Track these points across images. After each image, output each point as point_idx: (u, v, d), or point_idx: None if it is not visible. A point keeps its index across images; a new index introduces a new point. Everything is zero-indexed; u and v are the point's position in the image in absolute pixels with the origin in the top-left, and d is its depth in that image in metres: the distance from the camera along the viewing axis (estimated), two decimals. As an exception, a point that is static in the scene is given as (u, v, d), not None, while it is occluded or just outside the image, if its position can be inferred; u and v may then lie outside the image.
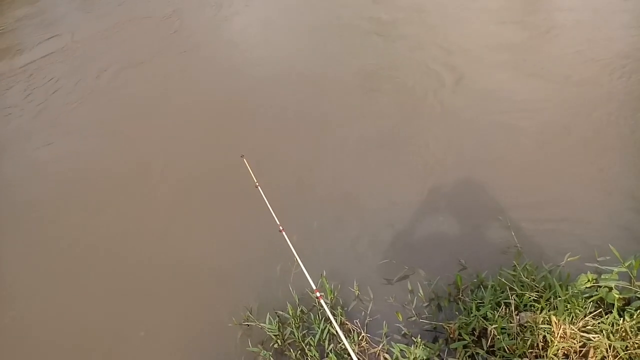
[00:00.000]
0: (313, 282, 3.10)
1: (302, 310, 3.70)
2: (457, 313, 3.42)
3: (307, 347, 3.38)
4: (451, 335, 3.27)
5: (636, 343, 2.73)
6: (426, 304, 3.61)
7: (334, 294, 3.77)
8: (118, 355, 3.87)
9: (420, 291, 3.65)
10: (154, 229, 4.94)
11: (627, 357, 2.70)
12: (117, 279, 4.50)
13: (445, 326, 3.32)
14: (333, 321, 2.75)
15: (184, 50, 8.63)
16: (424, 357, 3.04)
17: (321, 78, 6.81)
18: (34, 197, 5.86)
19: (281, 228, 3.52)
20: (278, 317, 3.69)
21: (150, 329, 3.99)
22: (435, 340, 3.32)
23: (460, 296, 3.54)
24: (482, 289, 3.44)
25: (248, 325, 3.75)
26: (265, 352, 3.47)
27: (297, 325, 3.56)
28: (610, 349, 2.74)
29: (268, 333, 3.59)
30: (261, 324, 3.65)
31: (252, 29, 8.95)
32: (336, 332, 3.38)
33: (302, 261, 3.15)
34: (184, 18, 9.89)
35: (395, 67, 6.66)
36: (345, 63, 7.06)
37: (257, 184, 3.90)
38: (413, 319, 3.52)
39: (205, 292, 4.18)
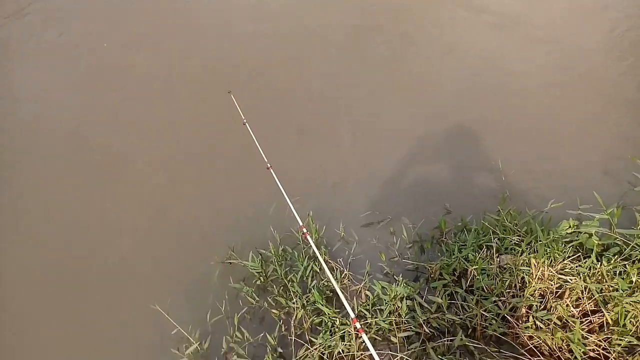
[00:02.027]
0: (300, 222, 3.11)
1: (284, 249, 3.73)
2: (439, 255, 3.47)
3: (290, 283, 3.43)
4: (432, 275, 3.33)
5: (611, 286, 2.80)
6: (409, 245, 3.65)
7: (318, 234, 3.79)
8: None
9: (404, 234, 3.68)
10: (139, 164, 4.88)
11: (601, 299, 2.77)
12: (105, 211, 4.48)
13: (427, 266, 3.38)
14: (319, 255, 2.78)
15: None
16: (405, 294, 3.10)
17: (310, 15, 6.62)
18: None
19: (269, 165, 3.49)
20: (260, 255, 3.72)
21: (132, 263, 4.01)
22: (416, 280, 3.39)
23: (443, 239, 3.59)
24: (466, 232, 3.49)
25: (230, 263, 3.78)
26: (247, 288, 3.51)
27: (279, 263, 3.60)
28: (585, 290, 2.81)
29: (251, 270, 3.62)
30: (244, 262, 3.68)
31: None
32: (321, 267, 3.44)
33: (289, 199, 3.15)
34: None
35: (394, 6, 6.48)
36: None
37: (244, 120, 3.84)
38: (396, 259, 3.57)
39: (188, 229, 4.18)
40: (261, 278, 3.58)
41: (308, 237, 3.11)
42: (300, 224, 3.16)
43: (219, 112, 4.65)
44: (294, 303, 3.29)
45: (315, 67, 5.65)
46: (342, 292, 2.99)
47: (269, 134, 4.34)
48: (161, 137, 5.11)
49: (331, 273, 3.46)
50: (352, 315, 2.50)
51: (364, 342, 2.91)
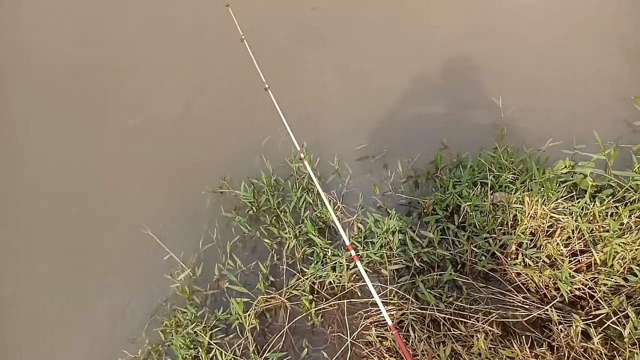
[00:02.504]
0: (298, 147, 3.06)
1: (276, 180, 3.70)
2: (433, 190, 3.45)
3: (283, 213, 3.42)
4: (425, 210, 3.34)
5: (602, 227, 2.82)
6: (404, 180, 3.63)
7: (313, 165, 3.74)
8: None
9: (400, 168, 3.65)
10: (128, 87, 4.72)
11: (591, 239, 2.80)
12: (99, 138, 4.38)
13: (420, 201, 3.37)
14: (316, 182, 2.76)
15: None
16: (397, 228, 3.11)
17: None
18: None
19: (267, 86, 3.37)
20: (253, 185, 3.68)
21: (124, 188, 3.97)
22: (409, 214, 3.39)
23: (438, 174, 3.57)
24: (461, 169, 3.46)
25: (222, 192, 3.74)
26: (239, 217, 3.50)
27: (272, 193, 3.57)
28: (576, 230, 2.84)
29: (243, 200, 3.60)
30: (236, 191, 3.64)
31: None
32: (315, 198, 3.42)
33: (286, 123, 3.08)
34: None
35: None
36: None
37: (242, 37, 3.65)
38: (389, 193, 3.56)
39: (181, 156, 4.11)
40: (253, 208, 3.57)
41: (305, 162, 3.06)
42: (298, 148, 3.10)
43: (216, 27, 4.42)
44: (286, 233, 3.30)
45: None
46: (337, 219, 3.01)
47: (267, 52, 4.15)
48: (155, 56, 4.91)
49: (323, 205, 3.45)
50: (347, 242, 2.51)
51: (354, 274, 2.97)
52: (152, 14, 5.45)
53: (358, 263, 2.33)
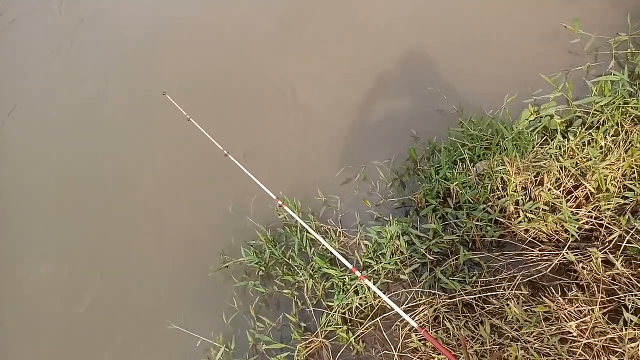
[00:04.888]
0: (273, 196, 3.13)
1: (272, 232, 3.75)
2: (419, 183, 3.51)
3: (291, 259, 3.47)
4: (419, 205, 3.39)
5: (584, 157, 2.89)
6: (390, 184, 3.69)
7: (298, 207, 3.77)
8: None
9: (381, 175, 3.72)
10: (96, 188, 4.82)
11: (579, 172, 2.86)
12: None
13: (411, 198, 3.43)
14: (297, 218, 2.81)
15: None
16: (400, 231, 3.16)
17: None
18: None
19: (226, 152, 3.47)
20: (252, 247, 3.72)
21: (135, 291, 4.01)
22: (406, 214, 3.45)
23: (418, 167, 3.64)
24: (437, 154, 3.53)
25: (227, 266, 3.78)
26: (252, 282, 3.53)
27: (274, 245, 3.62)
28: (562, 170, 2.90)
29: (249, 265, 3.64)
30: (239, 260, 3.68)
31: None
32: (315, 227, 3.47)
33: (256, 178, 3.17)
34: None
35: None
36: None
37: (188, 116, 3.78)
38: (381, 202, 3.61)
39: (172, 244, 4.17)
40: (261, 267, 3.59)
41: (285, 207, 3.13)
42: (274, 198, 3.17)
43: (161, 115, 4.55)
44: (300, 276, 3.34)
45: (245, 45, 5.51)
46: (334, 247, 3.06)
47: (216, 123, 4.27)
48: (116, 158, 5.02)
49: (326, 237, 3.50)
50: (349, 266, 2.56)
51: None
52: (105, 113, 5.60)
53: (366, 281, 2.38)
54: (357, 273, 2.49)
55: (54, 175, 5.33)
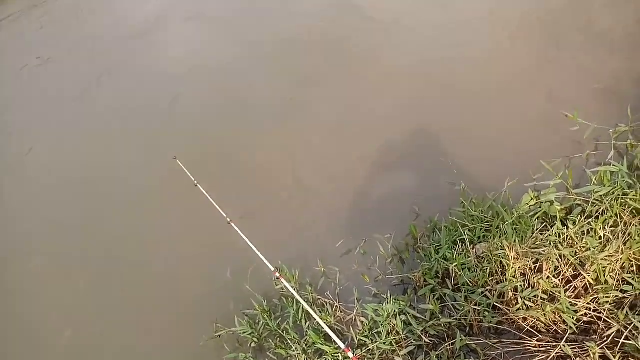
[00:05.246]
0: (271, 268, 3.12)
1: (268, 302, 3.71)
2: (419, 261, 3.51)
3: (285, 332, 3.41)
4: (418, 284, 3.37)
5: (583, 247, 2.89)
6: (389, 260, 3.69)
7: (296, 277, 3.75)
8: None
9: (381, 250, 3.72)
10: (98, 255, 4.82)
11: (578, 262, 2.85)
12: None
13: (410, 276, 3.42)
14: (295, 295, 2.79)
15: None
16: (397, 310, 3.12)
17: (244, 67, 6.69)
18: None
19: (229, 220, 3.50)
20: (247, 316, 3.68)
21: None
22: (404, 292, 3.42)
23: (419, 245, 3.64)
24: (438, 232, 3.55)
25: (219, 336, 3.71)
26: (243, 354, 3.46)
27: (268, 315, 3.57)
28: (561, 258, 2.89)
29: (242, 335, 3.58)
30: (232, 330, 3.63)
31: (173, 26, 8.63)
32: (311, 300, 3.43)
33: (256, 249, 3.18)
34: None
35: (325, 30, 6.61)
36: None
37: (195, 182, 3.86)
38: (380, 278, 3.60)
39: (167, 311, 4.12)
40: (254, 339, 3.53)
41: (283, 280, 3.12)
42: (272, 269, 3.17)
43: (169, 179, 4.63)
44: (294, 350, 3.27)
45: (258, 117, 5.69)
46: (327, 320, 3.03)
47: (222, 190, 4.34)
48: (117, 215, 5.06)
49: (322, 310, 3.46)
50: (342, 346, 2.52)
51: (370, 371, 2.93)
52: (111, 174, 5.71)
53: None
54: (350, 354, 2.45)
55: (50, 228, 5.37)
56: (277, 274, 3.18)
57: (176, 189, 4.47)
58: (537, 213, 3.27)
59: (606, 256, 2.74)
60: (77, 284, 4.57)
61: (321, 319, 3.33)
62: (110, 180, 5.64)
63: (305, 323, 3.40)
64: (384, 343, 3.02)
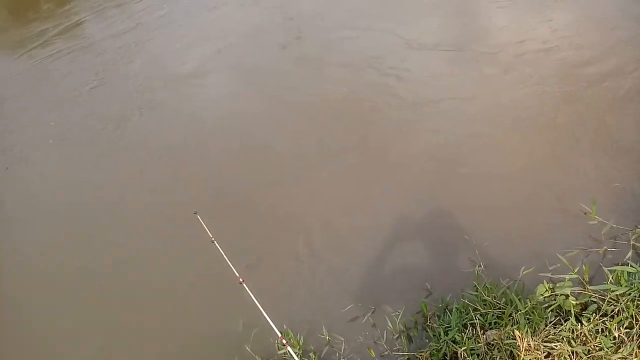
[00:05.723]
0: (278, 333, 3.10)
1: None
2: (427, 340, 3.46)
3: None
4: (424, 365, 3.30)
5: (597, 346, 2.84)
6: (396, 335, 3.64)
7: (300, 342, 3.71)
8: None
9: (389, 324, 3.68)
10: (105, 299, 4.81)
11: (591, 360, 2.80)
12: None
13: (417, 355, 3.36)
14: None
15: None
16: (400, 391, 3.05)
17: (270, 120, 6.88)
18: None
19: (241, 280, 3.52)
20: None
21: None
22: (410, 372, 3.35)
23: (428, 323, 3.59)
24: (448, 313, 3.51)
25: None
26: None
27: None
28: (573, 355, 2.84)
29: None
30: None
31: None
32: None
33: (265, 312, 3.17)
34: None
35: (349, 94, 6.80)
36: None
37: (212, 238, 3.90)
38: (386, 353, 3.53)
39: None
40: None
41: (289, 348, 3.09)
42: (279, 335, 3.15)
43: (187, 234, 4.67)
44: (291, 420, 3.18)
45: (278, 178, 5.71)
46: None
47: (238, 249, 4.38)
48: (126, 270, 5.06)
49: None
50: None
51: None
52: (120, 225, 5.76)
53: None
54: None
55: (60, 267, 5.38)
56: (284, 340, 3.15)
57: (193, 241, 4.49)
58: (551, 305, 3.23)
59: (620, 358, 2.69)
60: (84, 334, 4.54)
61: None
62: (123, 224, 5.68)
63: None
64: None
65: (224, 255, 3.68)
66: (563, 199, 4.31)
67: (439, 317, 3.59)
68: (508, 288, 3.45)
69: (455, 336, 3.22)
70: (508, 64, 6.13)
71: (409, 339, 3.59)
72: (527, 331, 2.99)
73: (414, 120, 5.83)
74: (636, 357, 2.67)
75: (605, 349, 2.76)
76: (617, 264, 3.38)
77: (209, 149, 6.62)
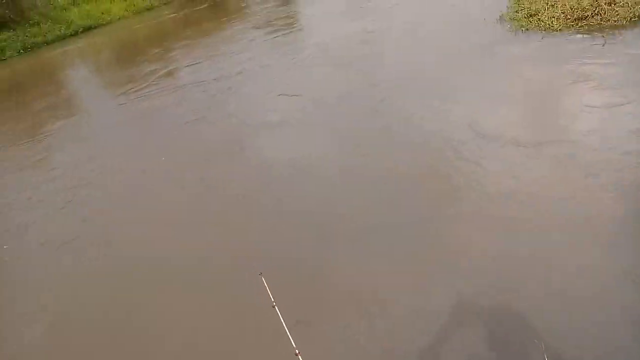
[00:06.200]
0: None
1: None
2: None
3: None
4: None
5: None
6: None
7: None
8: None
9: None
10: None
11: None
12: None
13: None
14: None
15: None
16: None
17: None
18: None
19: (297, 352, 3.51)
20: None
21: None
22: None
23: None
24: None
25: None
26: None
27: None
28: None
29: None
30: None
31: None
32: None
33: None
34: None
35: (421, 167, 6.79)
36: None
37: (274, 303, 3.89)
38: None
39: None
40: None
41: None
42: None
43: (249, 294, 4.71)
44: None
45: (348, 250, 5.67)
46: None
47: (297, 318, 4.38)
48: (185, 328, 5.16)
49: None
50: None
51: None
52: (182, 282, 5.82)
53: None
54: None
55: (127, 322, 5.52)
56: None
57: (253, 303, 4.49)
58: None
59: None
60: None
61: None
62: (186, 277, 5.81)
63: None
64: None
65: (283, 323, 3.68)
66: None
67: None
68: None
69: None
70: (590, 167, 5.95)
71: None
72: None
73: (494, 215, 5.65)
74: None
75: None
76: None
77: (282, 205, 6.73)
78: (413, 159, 7.06)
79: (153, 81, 13.29)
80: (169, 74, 13.80)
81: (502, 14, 11.25)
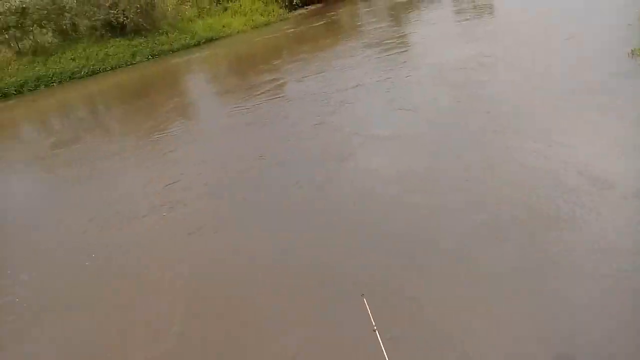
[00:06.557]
0: None
1: None
2: None
3: None
4: None
5: None
6: None
7: None
8: None
9: None
10: None
11: None
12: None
13: None
14: None
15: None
16: None
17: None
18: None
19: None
20: None
21: None
22: None
23: None
24: None
25: None
26: None
27: None
28: None
29: None
30: None
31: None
32: None
33: None
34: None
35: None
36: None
37: (375, 328, 3.77)
38: None
39: None
40: None
41: None
42: None
43: (349, 315, 4.66)
44: None
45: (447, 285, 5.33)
46: None
47: (399, 344, 4.31)
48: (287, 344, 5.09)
49: None
50: None
51: None
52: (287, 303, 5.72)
53: None
54: None
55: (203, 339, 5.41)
56: None
57: (353, 325, 4.45)
58: None
59: None
60: None
61: None
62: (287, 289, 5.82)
63: None
64: None
65: (383, 350, 3.57)
66: None
67: None
68: None
69: None
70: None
71: None
72: None
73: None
74: None
75: None
76: None
77: (388, 224, 6.58)
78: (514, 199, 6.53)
79: (269, 89, 13.99)
80: (284, 84, 14.45)
81: (634, 49, 10.24)
